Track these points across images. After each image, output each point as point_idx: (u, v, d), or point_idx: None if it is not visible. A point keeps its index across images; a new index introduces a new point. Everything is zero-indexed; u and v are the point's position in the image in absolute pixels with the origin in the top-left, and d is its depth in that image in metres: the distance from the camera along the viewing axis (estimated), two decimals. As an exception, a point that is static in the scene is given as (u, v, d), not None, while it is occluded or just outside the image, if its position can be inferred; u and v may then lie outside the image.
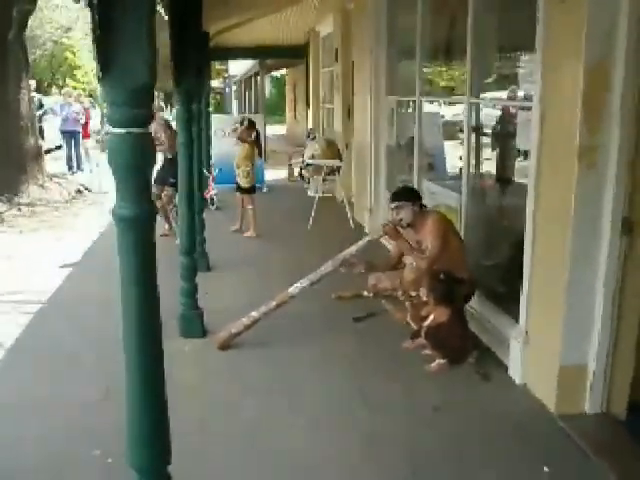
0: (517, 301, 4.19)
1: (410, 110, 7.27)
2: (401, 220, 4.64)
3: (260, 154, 8.88)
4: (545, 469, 3.16)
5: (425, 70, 6.58)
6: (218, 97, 48.21)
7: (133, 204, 1.88)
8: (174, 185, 6.64)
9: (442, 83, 6.82)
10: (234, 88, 29.69)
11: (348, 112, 9.96)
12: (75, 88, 18.64)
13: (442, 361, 4.27)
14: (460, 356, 4.29)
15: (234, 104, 30.66)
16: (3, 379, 4.27)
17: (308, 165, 9.70)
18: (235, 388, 4.08)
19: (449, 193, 5.72)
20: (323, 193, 9.43)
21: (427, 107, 6.69)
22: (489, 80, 5.43)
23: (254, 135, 8.34)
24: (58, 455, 3.30)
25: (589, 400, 3.65)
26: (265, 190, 11.47)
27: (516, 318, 4.22)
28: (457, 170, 6.16)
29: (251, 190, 8.27)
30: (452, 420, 3.67)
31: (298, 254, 7.05)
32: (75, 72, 17.74)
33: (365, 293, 5.66)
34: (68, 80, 18.18)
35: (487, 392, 4.00)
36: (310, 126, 13.90)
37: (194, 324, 4.86)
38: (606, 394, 3.65)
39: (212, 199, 9.90)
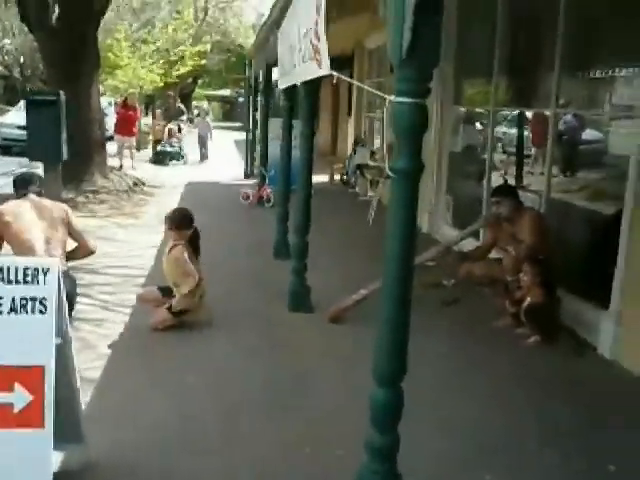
0: (602, 286, 4.70)
1: (482, 120, 7.79)
2: (501, 213, 5.15)
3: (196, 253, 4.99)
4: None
5: (501, 81, 7.06)
6: (227, 106, 48.99)
7: (409, 160, 2.39)
8: None
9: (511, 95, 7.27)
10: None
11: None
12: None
13: (538, 338, 4.77)
14: (554, 334, 4.80)
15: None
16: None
17: (368, 168, 10.23)
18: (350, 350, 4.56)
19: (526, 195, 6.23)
20: (369, 196, 10.05)
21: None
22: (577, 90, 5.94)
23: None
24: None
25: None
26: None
27: (604, 301, 4.72)
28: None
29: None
30: (569, 392, 4.11)
31: (370, 244, 7.55)
32: (116, 72, 18.36)
33: (445, 282, 6.17)
34: (111, 81, 18.85)
35: (586, 366, 4.50)
36: (353, 134, 14.47)
37: (304, 300, 5.35)
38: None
39: (268, 198, 10.42)
